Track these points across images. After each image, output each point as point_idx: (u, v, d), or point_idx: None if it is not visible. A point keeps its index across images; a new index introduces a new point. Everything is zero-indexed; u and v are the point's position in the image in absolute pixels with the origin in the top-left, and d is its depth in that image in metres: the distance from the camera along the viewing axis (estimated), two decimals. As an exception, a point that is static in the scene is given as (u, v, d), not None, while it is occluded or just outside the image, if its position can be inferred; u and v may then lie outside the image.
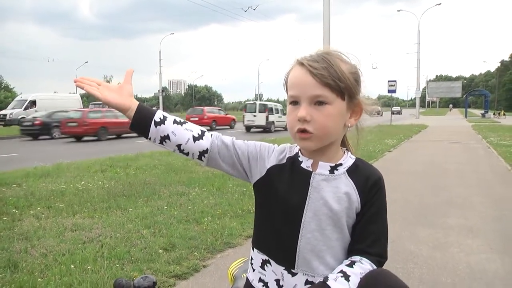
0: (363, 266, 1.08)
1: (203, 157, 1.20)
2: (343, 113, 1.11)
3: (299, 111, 1.08)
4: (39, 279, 3.20)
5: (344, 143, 1.24)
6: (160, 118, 1.17)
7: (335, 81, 1.06)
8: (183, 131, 1.19)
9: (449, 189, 7.03)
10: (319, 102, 1.07)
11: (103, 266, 3.46)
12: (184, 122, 1.21)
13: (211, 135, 1.22)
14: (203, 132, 1.21)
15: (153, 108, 1.20)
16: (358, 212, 1.14)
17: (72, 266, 3.44)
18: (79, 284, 3.14)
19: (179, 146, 1.19)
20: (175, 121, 1.19)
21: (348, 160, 1.18)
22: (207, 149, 1.19)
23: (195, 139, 1.19)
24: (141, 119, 1.18)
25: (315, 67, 1.07)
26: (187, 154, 1.21)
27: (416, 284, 3.24)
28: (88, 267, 3.42)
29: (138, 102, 1.19)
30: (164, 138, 1.18)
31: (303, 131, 1.09)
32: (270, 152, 1.23)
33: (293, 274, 1.14)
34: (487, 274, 3.47)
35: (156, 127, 1.17)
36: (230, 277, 1.58)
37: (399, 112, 68.20)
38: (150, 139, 1.20)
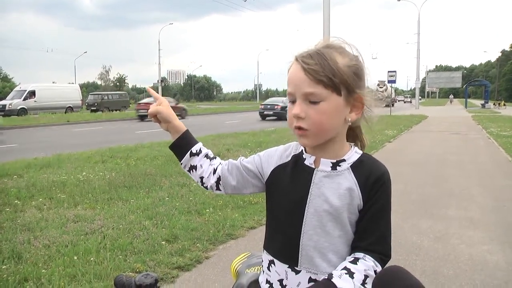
0: (367, 263, 1.08)
1: (220, 186, 1.30)
2: (340, 108, 1.08)
3: (294, 108, 1.09)
4: (43, 270, 3.21)
5: (354, 137, 1.22)
6: (196, 150, 1.30)
7: (329, 76, 1.04)
8: (208, 165, 1.30)
9: (450, 180, 7.05)
10: (312, 99, 1.06)
11: (106, 257, 3.47)
12: (214, 158, 1.33)
13: (221, 163, 1.32)
14: (219, 164, 1.32)
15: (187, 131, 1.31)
16: (361, 208, 1.13)
17: (75, 258, 3.45)
18: (82, 276, 3.15)
19: (201, 178, 1.30)
20: (206, 155, 1.31)
21: (353, 155, 1.16)
22: (219, 176, 1.29)
23: (214, 172, 1.30)
24: (182, 145, 1.30)
25: (308, 63, 1.05)
26: (207, 187, 1.31)
27: (418, 276, 3.20)
28: (91, 259, 3.43)
29: (185, 127, 1.31)
30: (192, 168, 1.30)
31: (299, 128, 1.09)
32: (273, 154, 1.26)
33: (297, 272, 1.14)
34: (488, 265, 3.49)
35: (190, 156, 1.29)
36: (233, 273, 1.56)
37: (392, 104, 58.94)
38: (181, 164, 1.32)
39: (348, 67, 1.07)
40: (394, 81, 30.27)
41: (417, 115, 27.51)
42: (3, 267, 3.28)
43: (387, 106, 33.81)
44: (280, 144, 1.29)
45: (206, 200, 5.32)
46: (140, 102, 29.61)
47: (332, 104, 1.06)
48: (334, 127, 1.10)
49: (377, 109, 1.21)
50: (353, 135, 1.23)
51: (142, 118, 25.84)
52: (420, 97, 49.12)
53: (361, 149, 1.21)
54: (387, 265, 1.09)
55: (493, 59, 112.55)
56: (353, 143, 1.21)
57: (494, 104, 46.85)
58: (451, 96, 73.68)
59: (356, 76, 1.09)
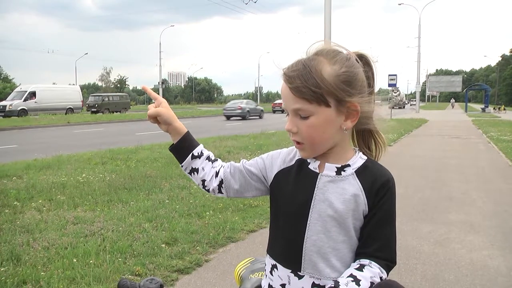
0: (373, 269, 1.07)
1: (222, 189, 1.26)
2: (331, 120, 1.06)
3: (287, 124, 1.10)
4: (42, 273, 3.20)
5: (366, 142, 1.20)
6: (198, 153, 1.26)
7: (312, 92, 1.02)
8: (210, 168, 1.27)
9: (450, 184, 7.04)
10: (302, 114, 1.06)
11: (105, 260, 3.46)
12: (215, 160, 1.29)
13: (223, 166, 1.28)
14: (221, 167, 1.28)
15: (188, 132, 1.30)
16: (366, 214, 1.12)
17: (75, 260, 3.44)
18: (81, 278, 3.14)
19: (203, 181, 1.27)
20: (208, 158, 1.28)
21: (357, 160, 1.15)
22: (222, 179, 1.26)
23: (216, 175, 1.26)
24: (183, 147, 1.26)
25: (291, 80, 1.05)
26: (208, 190, 1.28)
27: (419, 281, 3.24)
28: (91, 261, 3.42)
29: (186, 129, 1.27)
30: (194, 170, 1.27)
31: (296, 141, 1.11)
32: (276, 157, 1.24)
33: (300, 277, 1.13)
34: (489, 270, 3.48)
35: (191, 159, 1.26)
36: (237, 278, 1.54)
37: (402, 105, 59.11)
38: (182, 166, 1.28)
39: (336, 76, 1.04)
40: (394, 85, 30.21)
41: (418, 119, 27.50)
42: (2, 269, 3.26)
43: (399, 108, 39.22)
44: (280, 147, 1.29)
45: (206, 203, 5.31)
46: (275, 102, 43.45)
47: (321, 117, 1.05)
48: (328, 139, 1.09)
49: (384, 112, 1.19)
50: (364, 140, 1.21)
51: (275, 112, 40.56)
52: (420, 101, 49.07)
53: (374, 154, 1.21)
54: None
55: (493, 64, 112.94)
56: (357, 148, 1.19)
57: (494, 108, 46.80)
58: (453, 100, 73.38)
59: (347, 84, 1.05)
